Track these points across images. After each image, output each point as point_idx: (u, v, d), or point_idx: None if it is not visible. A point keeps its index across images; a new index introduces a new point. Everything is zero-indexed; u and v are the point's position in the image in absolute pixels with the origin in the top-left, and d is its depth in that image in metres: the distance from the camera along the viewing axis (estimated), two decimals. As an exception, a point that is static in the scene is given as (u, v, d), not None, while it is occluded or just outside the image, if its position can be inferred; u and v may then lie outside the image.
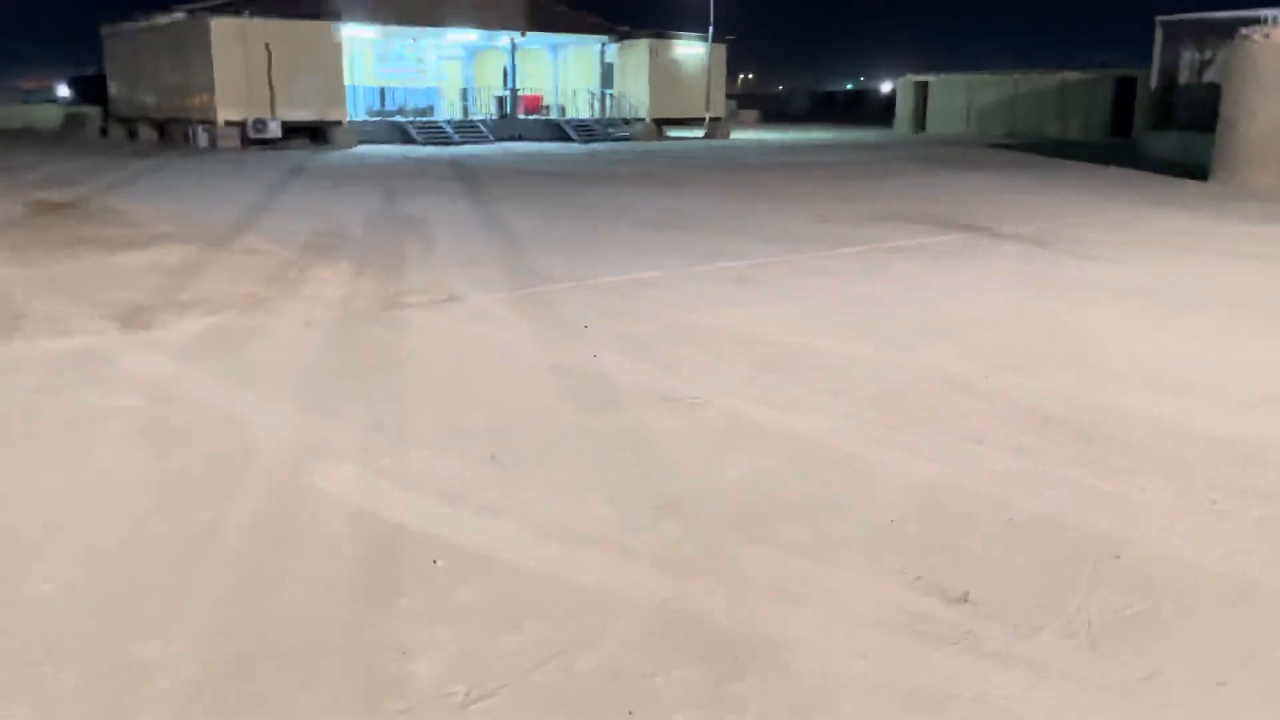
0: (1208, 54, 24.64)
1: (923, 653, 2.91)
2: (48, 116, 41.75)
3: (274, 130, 29.17)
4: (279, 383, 5.62)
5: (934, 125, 45.92)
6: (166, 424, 4.90)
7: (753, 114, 55.89)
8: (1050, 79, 42.48)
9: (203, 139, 29.26)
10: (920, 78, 47.85)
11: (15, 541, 3.59)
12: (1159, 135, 25.61)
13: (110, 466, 4.34)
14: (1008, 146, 31.91)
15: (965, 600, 3.20)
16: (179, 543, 3.58)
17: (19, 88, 66.16)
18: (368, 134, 31.55)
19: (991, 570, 3.42)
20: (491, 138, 33.42)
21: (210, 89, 28.79)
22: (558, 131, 35.85)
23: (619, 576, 3.35)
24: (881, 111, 53.99)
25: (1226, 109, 18.50)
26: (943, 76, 46.82)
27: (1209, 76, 24.23)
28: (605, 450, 4.56)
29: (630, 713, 2.61)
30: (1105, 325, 7.14)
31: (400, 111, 34.46)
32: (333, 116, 30.59)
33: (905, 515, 3.87)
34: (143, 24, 33.40)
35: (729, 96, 45.61)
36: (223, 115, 28.74)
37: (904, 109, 48.16)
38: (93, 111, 37.96)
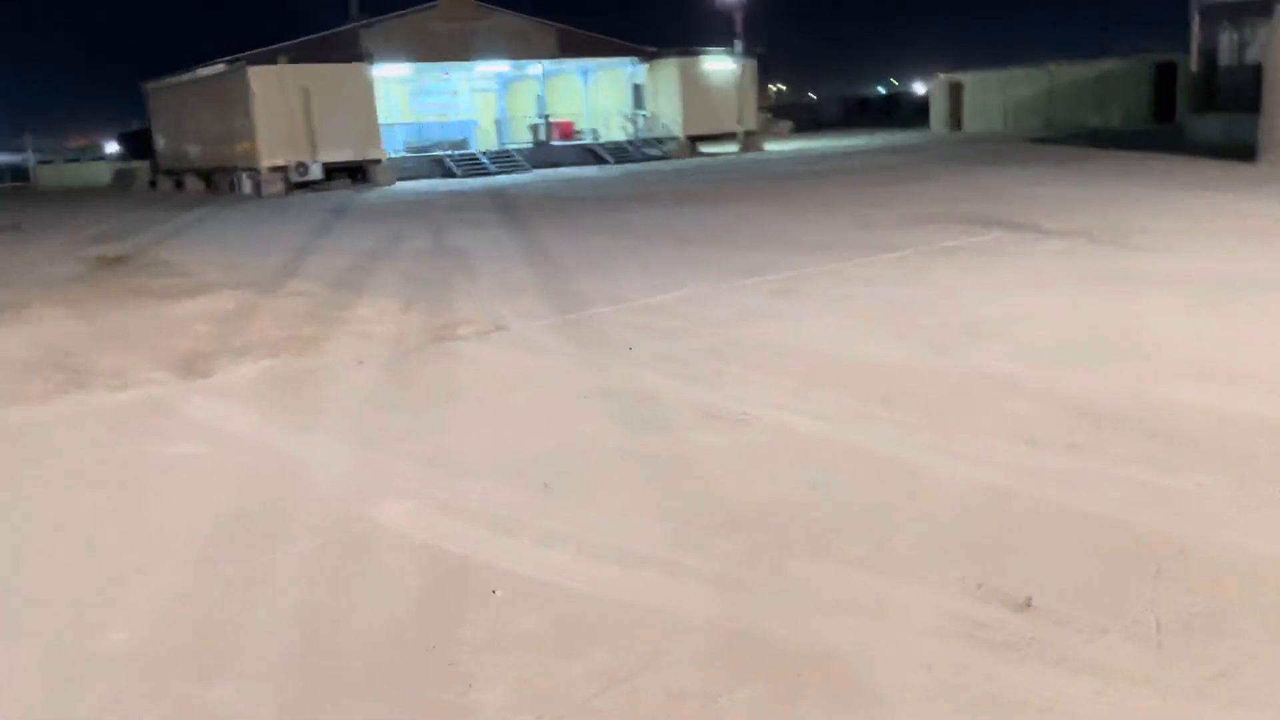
0: (1247, 34, 24.16)
1: (987, 661, 2.89)
2: (98, 174, 43.03)
3: (316, 173, 29.76)
4: (335, 421, 5.73)
5: (970, 124, 45.52)
6: (228, 469, 5.02)
7: (786, 124, 55.83)
8: (1087, 69, 41.92)
9: (247, 186, 29.94)
10: (953, 76, 47.51)
11: (88, 590, 3.71)
12: (1203, 119, 25.14)
13: (176, 513, 4.46)
14: (1047, 140, 31.52)
15: (1028, 606, 3.17)
16: (246, 584, 3.67)
17: (68, 147, 68.32)
18: (407, 170, 32.06)
19: (1053, 574, 3.39)
20: (528, 166, 33.77)
21: (252, 136, 29.47)
22: (592, 155, 36.12)
23: (678, 597, 3.37)
24: (916, 114, 53.62)
25: (1270, 89, 18.11)
26: (976, 74, 46.44)
27: (1250, 57, 23.75)
28: (656, 471, 4.59)
29: (696, 734, 2.63)
30: (1156, 317, 7.02)
31: (437, 146, 34.97)
32: (372, 155, 31.13)
33: (962, 522, 3.85)
34: (184, 78, 34.34)
35: (761, 109, 45.62)
36: (265, 161, 29.39)
37: (938, 109, 47.82)
38: (141, 166, 39.04)
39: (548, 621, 3.26)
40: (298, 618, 3.40)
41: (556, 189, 24.33)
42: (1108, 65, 41.30)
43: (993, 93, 45.02)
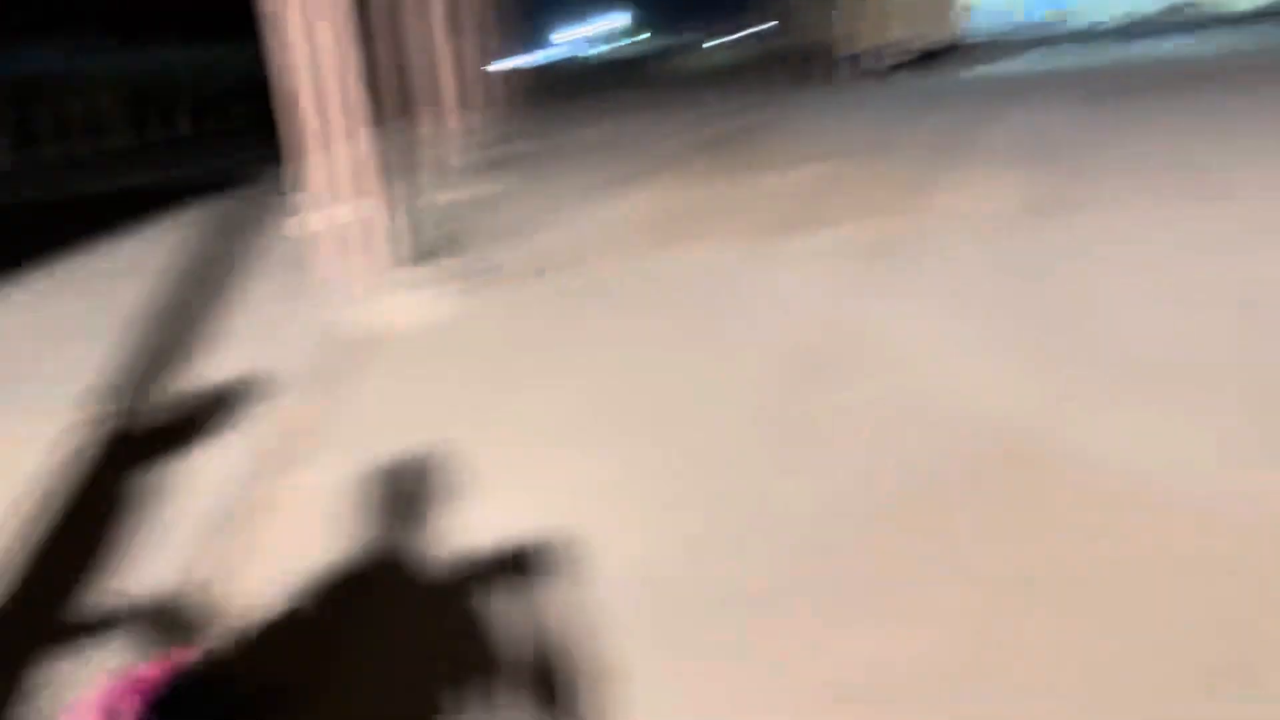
0: None
1: None
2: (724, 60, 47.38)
3: (911, 53, 29.55)
4: (912, 288, 5.97)
5: None
6: (803, 321, 5.57)
7: None
8: None
9: (845, 69, 30.72)
10: None
11: (677, 401, 4.49)
12: None
13: (758, 347, 5.11)
14: None
15: None
16: (810, 414, 4.16)
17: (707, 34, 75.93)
18: (1014, 48, 30.42)
19: None
20: (1160, 34, 29.95)
21: (853, 18, 30.05)
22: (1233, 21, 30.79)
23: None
24: None
25: None
26: None
27: None
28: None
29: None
30: None
31: (1046, 25, 32.56)
32: (955, 35, 29.95)
33: None
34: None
35: None
36: (867, 42, 29.84)
37: None
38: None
39: (1096, 499, 3.23)
40: (847, 449, 3.79)
41: (1202, 66, 21.34)
42: None
43: None
